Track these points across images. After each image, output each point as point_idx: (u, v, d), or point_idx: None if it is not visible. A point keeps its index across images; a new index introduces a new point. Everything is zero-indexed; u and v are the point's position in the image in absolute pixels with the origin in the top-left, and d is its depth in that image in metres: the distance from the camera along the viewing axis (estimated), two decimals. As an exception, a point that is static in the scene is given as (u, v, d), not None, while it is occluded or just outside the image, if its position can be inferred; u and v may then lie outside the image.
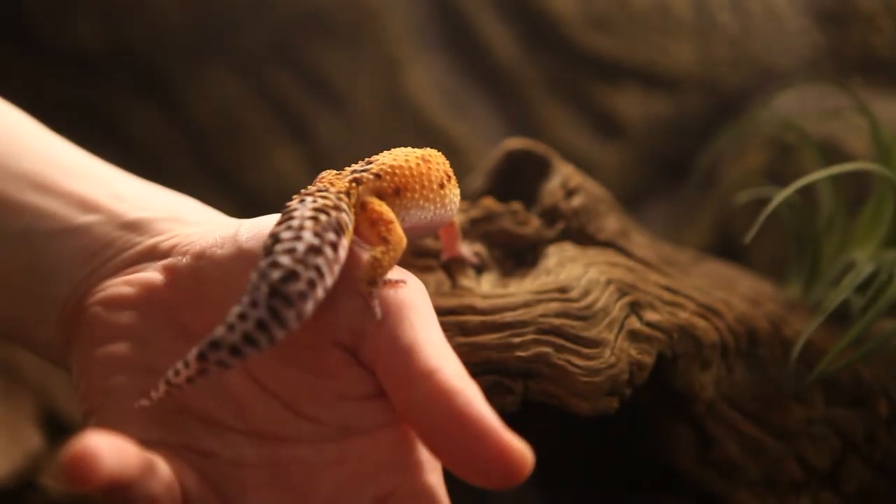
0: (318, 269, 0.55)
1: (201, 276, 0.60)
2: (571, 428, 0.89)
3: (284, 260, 0.55)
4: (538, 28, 1.31)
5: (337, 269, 0.57)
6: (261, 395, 0.59)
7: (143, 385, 0.59)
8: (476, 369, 0.71)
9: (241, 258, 0.60)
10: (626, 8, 1.25)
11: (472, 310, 0.72)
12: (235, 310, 0.55)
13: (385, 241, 0.60)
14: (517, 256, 0.80)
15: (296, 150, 1.44)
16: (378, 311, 0.59)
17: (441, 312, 0.73)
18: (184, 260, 0.62)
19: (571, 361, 0.70)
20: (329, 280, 0.56)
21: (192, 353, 0.55)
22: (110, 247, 0.64)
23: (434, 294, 0.75)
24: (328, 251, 0.56)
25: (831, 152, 1.05)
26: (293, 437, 0.58)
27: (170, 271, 0.62)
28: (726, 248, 1.17)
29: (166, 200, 0.68)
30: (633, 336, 0.73)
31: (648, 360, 0.73)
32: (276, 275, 0.55)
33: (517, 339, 0.71)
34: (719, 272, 0.84)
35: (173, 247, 0.63)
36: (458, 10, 1.35)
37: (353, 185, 0.62)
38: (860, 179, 1.06)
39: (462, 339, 0.71)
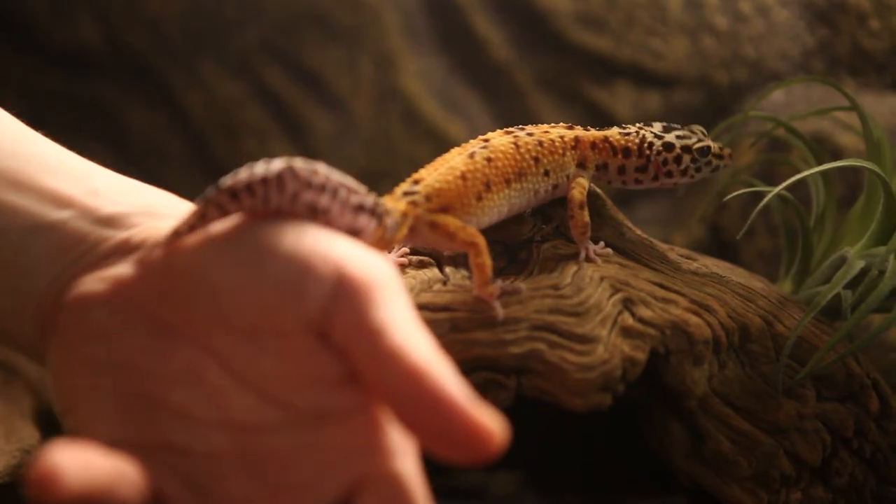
0: (325, 186, 0.62)
1: (172, 268, 0.60)
2: (567, 427, 0.89)
3: (320, 167, 0.62)
4: (532, 26, 1.31)
5: (336, 208, 0.63)
6: (234, 384, 0.59)
7: (118, 381, 0.59)
8: (469, 365, 0.71)
9: (211, 248, 0.60)
10: (619, 6, 1.25)
11: (465, 306, 0.73)
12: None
13: (467, 244, 0.72)
14: (510, 254, 0.81)
15: (292, 147, 1.44)
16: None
17: (434, 308, 0.73)
18: (155, 253, 0.61)
19: (565, 357, 0.71)
20: (324, 201, 0.62)
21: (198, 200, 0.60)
22: (84, 242, 0.64)
23: (427, 290, 0.76)
24: (342, 193, 0.63)
25: (822, 149, 1.06)
26: (267, 426, 0.58)
27: (142, 265, 0.62)
28: (718, 244, 1.18)
29: (142, 195, 0.68)
30: (626, 332, 0.73)
31: (641, 356, 0.73)
32: (301, 162, 0.61)
33: (510, 336, 0.71)
34: (711, 269, 0.84)
35: (145, 240, 0.63)
36: (453, 9, 1.36)
37: (410, 206, 0.72)
38: (851, 176, 1.06)
39: (455, 336, 0.71)
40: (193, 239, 0.60)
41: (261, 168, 0.61)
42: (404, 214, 0.71)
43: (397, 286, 0.59)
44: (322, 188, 0.62)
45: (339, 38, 1.40)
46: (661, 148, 0.81)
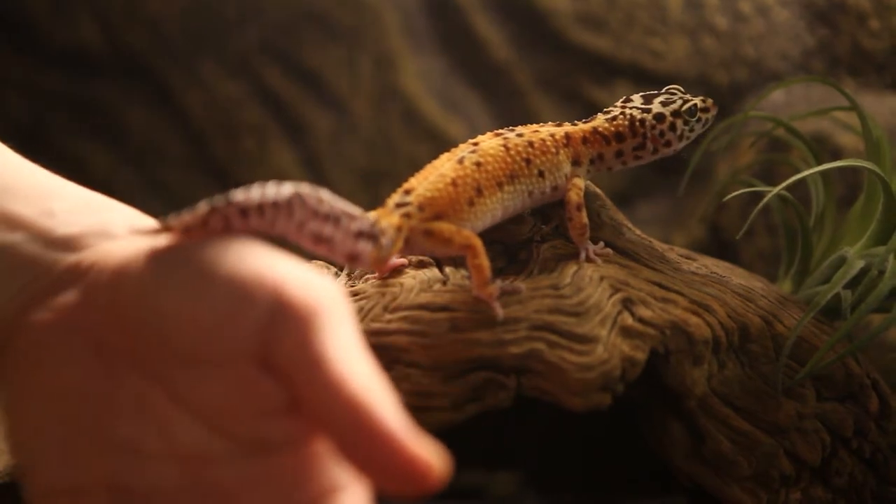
0: (329, 215, 0.65)
1: (118, 294, 0.59)
2: (567, 427, 0.89)
3: (324, 194, 0.64)
4: (532, 26, 1.31)
5: (338, 236, 0.66)
6: (181, 413, 0.58)
7: (66, 414, 0.58)
8: (469, 365, 0.71)
9: (154, 273, 0.58)
10: (619, 6, 1.25)
11: (465, 306, 0.73)
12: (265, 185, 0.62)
13: (464, 247, 0.72)
14: (510, 254, 0.81)
15: (292, 147, 1.44)
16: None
17: (433, 308, 0.73)
18: (102, 278, 0.60)
19: (564, 357, 0.71)
20: (328, 230, 0.65)
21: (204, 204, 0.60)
22: (36, 265, 0.63)
23: (427, 290, 0.76)
24: (344, 221, 0.66)
25: (822, 149, 1.06)
26: (214, 456, 0.58)
27: (89, 291, 0.60)
28: (718, 244, 1.18)
29: (100, 213, 0.66)
30: (626, 332, 0.73)
31: (641, 356, 0.73)
32: (308, 188, 0.63)
33: (510, 336, 0.71)
34: (711, 269, 0.84)
35: (95, 263, 0.61)
36: (453, 9, 1.36)
37: (404, 219, 0.72)
38: (851, 176, 1.07)
39: (455, 336, 0.71)
40: (139, 262, 0.59)
41: (272, 191, 0.61)
42: (398, 228, 0.72)
43: (341, 310, 0.57)
44: (327, 217, 0.64)
45: (339, 38, 1.41)
46: (653, 122, 0.81)
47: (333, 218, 0.65)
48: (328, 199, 0.64)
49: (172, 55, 1.48)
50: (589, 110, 1.20)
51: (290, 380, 0.56)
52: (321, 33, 1.41)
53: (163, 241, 0.60)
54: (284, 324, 0.56)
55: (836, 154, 1.09)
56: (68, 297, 0.61)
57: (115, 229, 0.65)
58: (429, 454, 0.53)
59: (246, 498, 0.58)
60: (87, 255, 0.62)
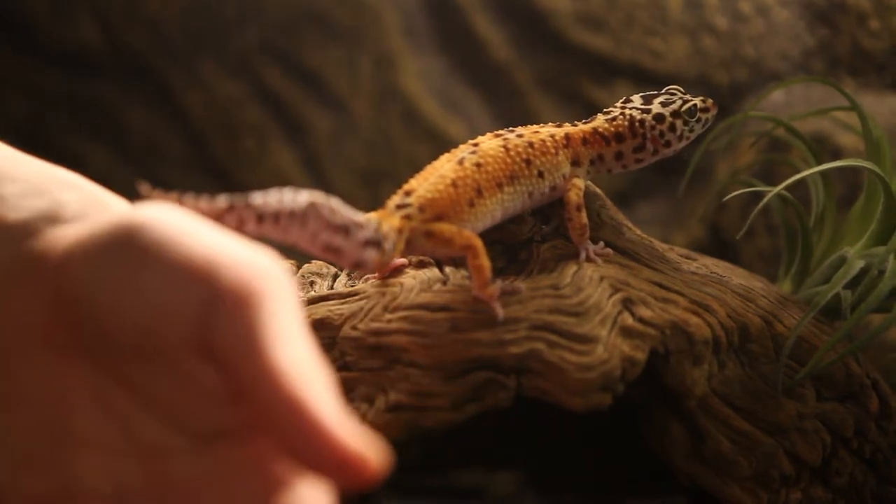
0: (340, 226, 0.68)
1: (62, 289, 0.57)
2: (567, 427, 0.89)
3: (335, 203, 0.67)
4: (532, 26, 1.31)
5: (347, 246, 0.69)
6: (138, 408, 0.57)
7: (28, 418, 0.57)
8: (469, 365, 0.71)
9: (94, 264, 0.57)
10: (619, 6, 1.25)
11: (465, 306, 0.73)
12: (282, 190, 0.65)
13: (465, 247, 0.72)
14: (510, 254, 0.81)
15: (292, 147, 1.44)
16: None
17: (434, 308, 0.73)
18: (47, 272, 0.58)
19: (564, 357, 0.71)
20: (338, 240, 0.68)
21: (223, 198, 0.62)
22: None
23: (427, 290, 0.76)
24: (354, 231, 0.69)
25: (822, 149, 1.06)
26: (173, 451, 0.57)
27: (36, 286, 0.59)
28: (718, 244, 1.18)
29: (51, 196, 0.63)
30: (626, 332, 0.73)
31: (641, 356, 0.73)
32: (321, 198, 0.66)
33: (510, 336, 0.71)
34: (711, 269, 0.84)
35: (44, 251, 0.59)
36: (453, 9, 1.36)
37: (405, 220, 0.73)
38: (851, 176, 1.07)
39: (455, 336, 0.71)
40: (79, 255, 0.57)
41: (289, 198, 0.64)
42: (399, 231, 0.73)
43: (281, 289, 0.55)
44: (338, 228, 0.67)
45: (339, 38, 1.41)
46: (653, 122, 0.81)
47: (343, 228, 0.67)
48: (339, 209, 0.67)
49: (172, 55, 1.48)
50: (589, 110, 1.20)
51: (231, 368, 0.54)
52: (321, 33, 1.41)
53: (105, 225, 0.58)
54: (221, 310, 0.54)
55: (836, 154, 1.09)
56: (17, 291, 0.59)
57: (65, 211, 0.62)
58: (364, 448, 0.52)
59: (207, 490, 0.57)
60: (35, 244, 0.60)
